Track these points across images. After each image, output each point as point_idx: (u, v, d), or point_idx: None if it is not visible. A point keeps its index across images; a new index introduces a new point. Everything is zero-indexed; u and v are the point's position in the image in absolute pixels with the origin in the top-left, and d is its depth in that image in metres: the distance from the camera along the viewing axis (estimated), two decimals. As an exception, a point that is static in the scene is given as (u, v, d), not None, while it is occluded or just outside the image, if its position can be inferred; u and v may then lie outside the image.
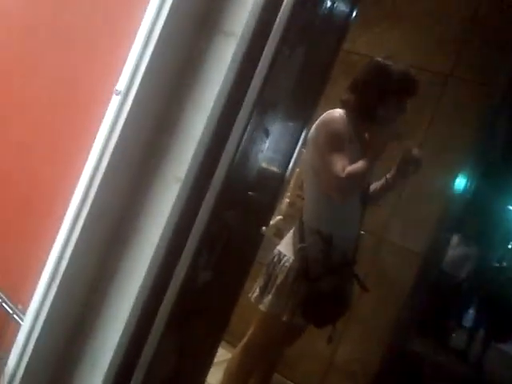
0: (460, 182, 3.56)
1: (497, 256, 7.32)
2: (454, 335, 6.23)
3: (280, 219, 2.45)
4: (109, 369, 1.26)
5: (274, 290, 2.07)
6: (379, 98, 2.03)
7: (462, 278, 5.62)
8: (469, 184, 4.03)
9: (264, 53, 1.21)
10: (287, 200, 2.46)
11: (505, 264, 6.60)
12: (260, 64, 1.22)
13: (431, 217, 3.23)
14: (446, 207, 3.33)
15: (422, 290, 3.64)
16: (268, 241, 2.26)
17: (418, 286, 3.32)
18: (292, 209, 2.40)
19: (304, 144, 2.07)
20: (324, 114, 2.04)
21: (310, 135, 2.06)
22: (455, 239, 5.54)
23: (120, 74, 1.26)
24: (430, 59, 3.31)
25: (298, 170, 2.35)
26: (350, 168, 1.93)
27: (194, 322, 1.49)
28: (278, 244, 2.20)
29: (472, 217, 5.56)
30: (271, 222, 2.40)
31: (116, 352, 1.26)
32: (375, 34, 3.49)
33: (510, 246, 8.63)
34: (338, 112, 2.03)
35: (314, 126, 2.05)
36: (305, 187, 2.21)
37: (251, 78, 1.23)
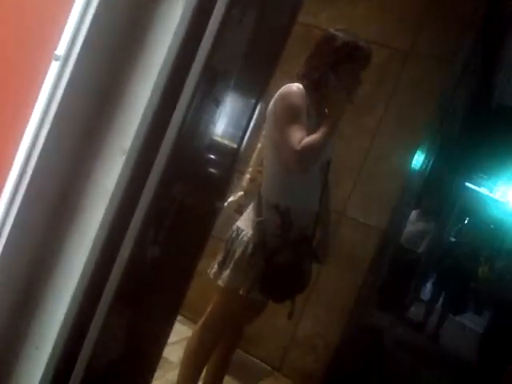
0: (418, 158, 3.62)
1: (454, 231, 7.58)
2: (412, 308, 6.45)
3: (241, 195, 2.42)
4: (54, 347, 1.21)
5: (231, 265, 2.06)
6: (329, 66, 2.03)
7: (421, 252, 5.78)
8: (427, 160, 4.10)
9: (213, 16, 1.15)
10: (248, 176, 2.43)
11: (461, 238, 6.83)
12: (208, 28, 1.16)
13: (390, 192, 3.28)
14: (404, 183, 3.38)
15: (381, 265, 3.72)
16: (229, 217, 2.23)
17: (378, 261, 3.39)
18: (253, 184, 2.36)
19: (260, 117, 2.05)
20: (282, 88, 2.03)
21: (268, 108, 2.05)
22: (414, 214, 5.67)
23: (59, 38, 1.18)
24: (391, 35, 3.33)
25: (259, 145, 2.32)
26: (306, 139, 1.93)
27: (144, 297, 1.45)
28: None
29: (430, 192, 5.70)
30: (232, 198, 2.37)
31: (60, 333, 1.20)
32: (337, 9, 3.46)
33: (466, 221, 8.94)
34: (296, 86, 2.01)
35: (272, 100, 2.04)
36: (264, 161, 2.19)
37: (199, 43, 1.17)
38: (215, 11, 1.15)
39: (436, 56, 3.26)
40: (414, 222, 5.61)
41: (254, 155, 2.38)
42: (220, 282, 2.09)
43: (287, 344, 3.35)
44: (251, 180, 2.39)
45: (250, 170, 2.41)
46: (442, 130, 4.17)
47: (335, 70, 2.03)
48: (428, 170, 4.47)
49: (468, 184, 8.99)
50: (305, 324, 3.28)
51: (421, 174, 4.15)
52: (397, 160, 3.28)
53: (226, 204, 2.30)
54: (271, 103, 2.04)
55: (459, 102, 4.62)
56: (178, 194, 1.31)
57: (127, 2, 1.18)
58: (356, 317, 3.43)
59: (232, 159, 1.73)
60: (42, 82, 1.19)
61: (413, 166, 3.45)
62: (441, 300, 6.27)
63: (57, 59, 1.17)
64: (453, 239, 7.00)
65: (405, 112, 3.26)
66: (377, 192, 3.28)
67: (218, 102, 1.38)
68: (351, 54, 2.03)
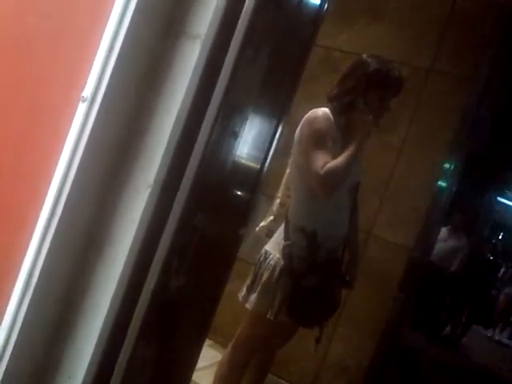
0: (446, 174, 3.57)
1: (487, 247, 7.35)
2: (446, 328, 6.26)
3: (271, 220, 2.44)
4: (84, 379, 1.26)
5: (259, 288, 2.09)
6: (359, 90, 2.05)
7: (453, 270, 5.63)
8: (455, 176, 4.04)
9: (228, 55, 1.21)
10: (278, 200, 2.46)
11: (496, 254, 6.64)
12: (224, 67, 1.22)
13: (418, 210, 3.24)
14: (433, 200, 3.34)
15: (412, 284, 3.65)
16: (260, 241, 2.26)
17: (408, 280, 3.33)
18: (283, 209, 2.39)
19: (283, 142, 2.09)
20: (308, 113, 2.06)
21: (295, 134, 2.08)
22: (444, 232, 5.55)
23: (86, 81, 1.26)
24: (411, 53, 3.33)
25: (288, 170, 2.36)
26: (330, 164, 1.94)
27: (171, 325, 1.49)
28: (269, 245, 2.21)
29: (460, 208, 5.58)
30: (263, 223, 2.41)
31: (91, 362, 1.25)
32: (355, 31, 3.50)
33: (500, 237, 8.67)
34: (322, 110, 2.04)
35: (299, 125, 2.07)
36: (290, 185, 2.22)
37: (216, 81, 1.22)
38: (230, 51, 1.21)
39: (458, 72, 3.25)
40: (444, 240, 5.49)
41: (283, 180, 2.41)
42: (248, 305, 2.11)
43: (319, 367, 3.32)
44: (281, 205, 2.41)
45: (280, 194, 2.44)
46: (468, 145, 4.11)
47: (365, 94, 2.05)
48: (456, 185, 4.40)
49: (500, 198, 8.75)
50: (336, 346, 3.24)
51: (449, 190, 4.08)
52: (423, 177, 3.25)
53: (256, 229, 2.34)
54: (298, 129, 2.07)
55: (485, 116, 4.55)
56: (201, 223, 1.36)
57: (148, 45, 1.25)
58: (387, 337, 3.36)
59: (253, 186, 1.78)
60: (71, 122, 1.26)
61: (440, 182, 3.41)
62: (476, 318, 6.10)
63: (84, 100, 1.25)
64: (487, 255, 6.79)
65: (429, 129, 3.25)
66: (404, 210, 3.26)
67: (236, 134, 1.44)
68: (383, 81, 2.04)
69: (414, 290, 3.83)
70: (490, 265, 6.59)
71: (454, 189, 4.30)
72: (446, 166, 3.43)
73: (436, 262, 5.29)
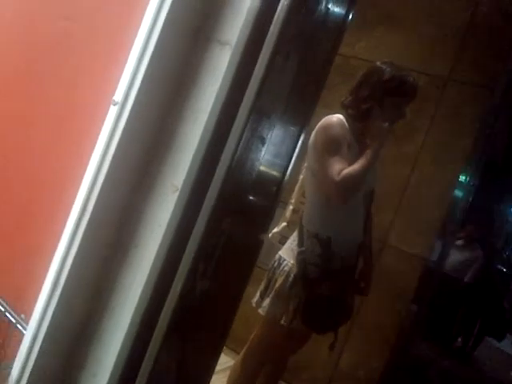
0: (461, 185, 3.55)
1: (502, 258, 7.28)
2: (459, 339, 6.20)
3: (284, 226, 2.45)
4: (110, 379, 1.27)
5: (272, 294, 2.09)
6: (374, 98, 2.05)
7: (466, 281, 5.58)
8: (471, 186, 4.02)
9: (258, 62, 1.22)
10: (291, 207, 2.46)
11: (508, 266, 6.58)
12: (254, 73, 1.23)
13: (433, 220, 3.22)
14: (447, 210, 3.32)
15: (426, 295, 3.63)
16: (273, 248, 2.27)
17: (422, 291, 3.32)
18: (296, 215, 2.39)
19: (303, 148, 2.09)
20: (322, 120, 2.06)
21: (310, 140, 2.08)
22: (459, 243, 5.51)
23: (117, 85, 1.28)
24: (429, 62, 3.32)
25: (301, 176, 2.36)
26: (346, 171, 1.94)
27: (194, 330, 1.50)
28: (283, 251, 2.22)
29: (475, 219, 5.53)
30: (276, 229, 2.41)
31: (117, 362, 1.27)
32: (374, 39, 3.50)
33: (512, 249, 8.57)
34: (336, 117, 2.05)
35: (313, 132, 2.08)
36: (305, 192, 2.22)
37: (246, 87, 1.23)
38: (260, 57, 1.22)
39: (475, 82, 3.24)
40: (459, 250, 5.45)
41: (297, 186, 2.42)
42: (261, 311, 2.12)
43: (330, 375, 3.30)
44: (294, 211, 2.42)
45: (293, 201, 2.44)
46: (484, 156, 4.09)
47: (381, 102, 2.05)
48: (472, 196, 4.37)
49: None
50: (348, 355, 3.23)
51: (464, 201, 4.06)
52: (439, 187, 3.23)
53: (270, 235, 2.34)
54: (312, 135, 2.08)
55: (501, 127, 4.52)
56: (227, 228, 1.37)
57: (179, 51, 1.27)
58: (399, 348, 3.34)
59: (276, 191, 1.79)
60: (102, 125, 1.28)
61: (456, 192, 3.39)
62: (489, 330, 6.04)
63: (115, 104, 1.26)
64: (501, 266, 6.72)
65: (445, 139, 3.23)
66: (419, 220, 3.24)
67: (263, 140, 1.45)
68: (398, 88, 2.04)
69: (427, 301, 3.81)
70: (502, 277, 6.53)
71: (469, 200, 4.28)
72: (462, 176, 3.42)
73: (450, 273, 5.24)
